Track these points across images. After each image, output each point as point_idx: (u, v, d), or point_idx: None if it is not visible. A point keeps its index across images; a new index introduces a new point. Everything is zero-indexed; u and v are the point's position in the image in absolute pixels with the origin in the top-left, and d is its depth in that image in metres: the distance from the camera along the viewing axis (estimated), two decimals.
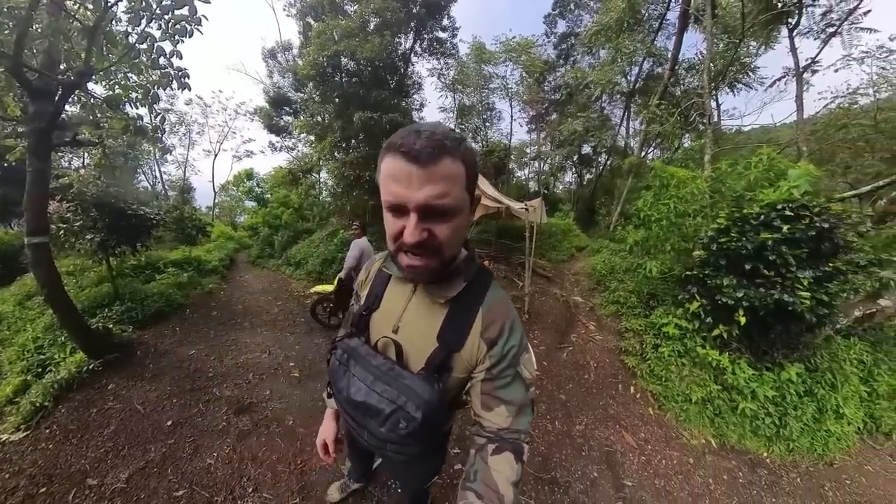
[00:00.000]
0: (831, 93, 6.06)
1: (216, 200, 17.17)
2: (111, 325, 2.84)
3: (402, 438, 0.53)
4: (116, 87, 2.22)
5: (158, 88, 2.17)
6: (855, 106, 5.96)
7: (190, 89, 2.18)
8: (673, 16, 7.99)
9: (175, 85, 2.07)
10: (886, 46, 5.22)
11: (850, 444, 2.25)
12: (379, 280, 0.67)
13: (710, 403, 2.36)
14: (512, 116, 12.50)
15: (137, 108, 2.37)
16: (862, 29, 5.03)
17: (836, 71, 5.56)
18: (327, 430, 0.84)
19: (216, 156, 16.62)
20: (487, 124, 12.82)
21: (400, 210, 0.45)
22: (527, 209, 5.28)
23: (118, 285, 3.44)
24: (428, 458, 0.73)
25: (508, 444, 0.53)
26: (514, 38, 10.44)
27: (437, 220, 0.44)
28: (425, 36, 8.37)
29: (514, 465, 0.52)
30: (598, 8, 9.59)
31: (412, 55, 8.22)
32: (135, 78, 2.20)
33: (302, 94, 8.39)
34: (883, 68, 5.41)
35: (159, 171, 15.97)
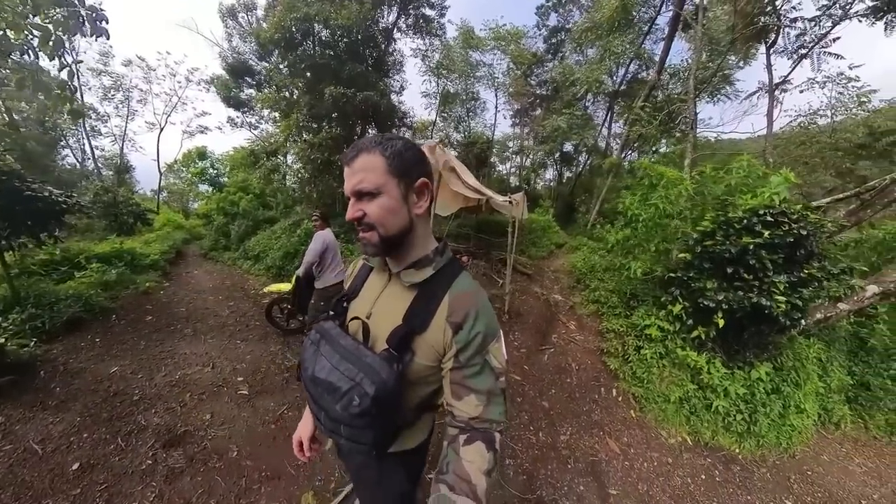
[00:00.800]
0: (795, 111, 6.66)
1: (162, 183, 15.09)
2: (3, 340, 2.29)
3: (354, 418, 0.54)
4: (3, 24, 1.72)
5: (65, 33, 1.72)
6: (813, 125, 6.59)
7: (108, 37, 1.82)
8: (663, 21, 8.24)
9: (87, 30, 1.69)
10: (845, 74, 5.83)
11: (808, 437, 2.45)
12: (362, 272, 0.74)
13: (687, 402, 2.47)
14: (496, 108, 12.35)
15: (37, 58, 1.89)
16: (830, 53, 5.53)
17: (802, 91, 6.14)
18: (304, 428, 0.82)
19: (162, 130, 14.40)
20: (471, 114, 12.59)
21: (349, 198, 0.56)
22: (511, 202, 5.20)
23: (18, 286, 2.83)
24: (389, 470, 0.72)
25: (479, 433, 0.55)
26: (504, 25, 10.21)
27: (364, 201, 0.55)
28: (411, 11, 7.85)
29: (485, 454, 0.53)
30: (590, 6, 9.61)
31: (395, 31, 7.67)
32: (35, 19, 1.73)
33: (266, 64, 7.52)
34: (840, 93, 6.05)
35: (89, 145, 13.50)
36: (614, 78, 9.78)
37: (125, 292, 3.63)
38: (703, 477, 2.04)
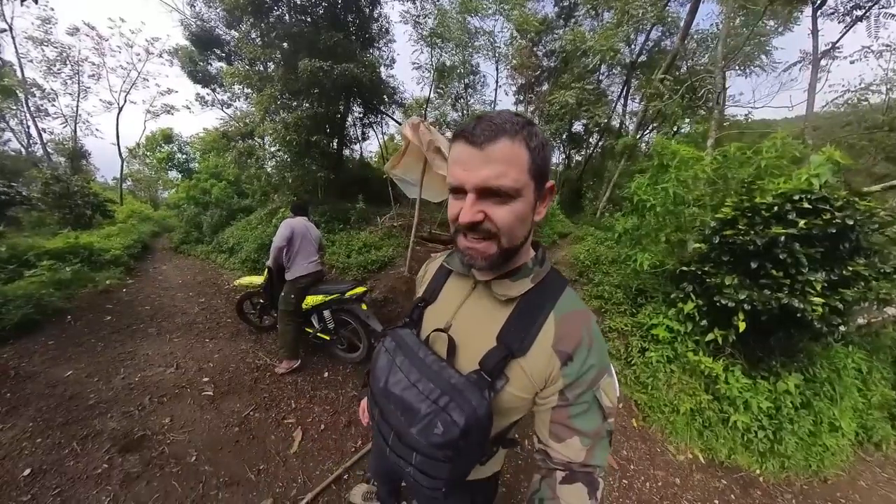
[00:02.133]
0: (843, 86, 6.10)
1: (126, 170, 14.88)
2: None
3: (434, 447, 0.50)
4: None
5: None
6: (864, 102, 6.02)
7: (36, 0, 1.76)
8: None
9: None
10: None
11: (843, 459, 2.29)
12: (439, 275, 0.71)
13: (700, 415, 2.35)
14: (497, 83, 12.12)
15: None
16: (893, 16, 4.94)
17: (852, 62, 5.57)
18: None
19: (121, 110, 13.99)
20: (470, 90, 12.40)
21: (460, 192, 0.49)
22: None
23: None
24: (456, 498, 0.71)
25: (581, 476, 0.53)
26: None
27: (493, 202, 0.48)
28: None
29: (586, 500, 0.51)
30: None
31: None
32: None
33: (236, 33, 7.37)
34: None
35: (35, 127, 13.05)
36: (633, 47, 9.54)
37: (82, 291, 3.69)
38: (717, 502, 1.95)
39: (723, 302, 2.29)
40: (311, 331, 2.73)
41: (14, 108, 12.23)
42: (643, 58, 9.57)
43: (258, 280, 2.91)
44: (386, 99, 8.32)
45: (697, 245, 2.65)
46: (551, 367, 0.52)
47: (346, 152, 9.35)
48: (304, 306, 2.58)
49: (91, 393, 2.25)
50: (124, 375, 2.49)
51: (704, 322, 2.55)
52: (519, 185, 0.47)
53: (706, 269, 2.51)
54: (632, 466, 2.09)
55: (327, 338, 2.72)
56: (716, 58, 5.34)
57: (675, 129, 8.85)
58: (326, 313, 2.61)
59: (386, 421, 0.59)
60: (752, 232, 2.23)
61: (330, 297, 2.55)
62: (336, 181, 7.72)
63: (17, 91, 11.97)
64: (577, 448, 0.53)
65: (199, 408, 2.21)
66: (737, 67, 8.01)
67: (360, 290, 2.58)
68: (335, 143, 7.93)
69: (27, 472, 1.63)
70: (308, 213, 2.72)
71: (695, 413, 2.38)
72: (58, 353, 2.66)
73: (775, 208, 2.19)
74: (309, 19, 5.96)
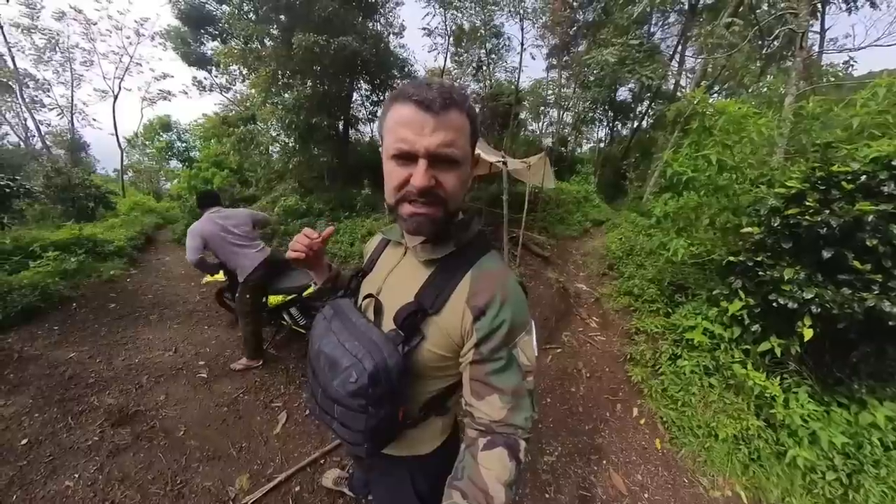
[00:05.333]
0: None
1: (126, 161, 16.18)
2: None
3: (349, 396, 0.59)
4: None
5: None
6: None
7: None
8: None
9: None
10: None
11: None
12: (379, 247, 0.84)
13: (746, 444, 2.17)
14: (523, 45, 11.80)
15: None
16: None
17: None
18: None
19: (116, 97, 15.02)
20: (493, 56, 12.24)
21: (408, 157, 0.55)
22: (528, 166, 5.16)
23: None
24: (400, 476, 0.80)
25: (502, 438, 0.58)
26: None
27: (443, 169, 0.55)
28: None
29: (507, 463, 0.56)
30: None
31: None
32: None
33: (227, 7, 7.86)
34: None
35: (32, 119, 14.22)
36: None
37: (87, 281, 4.25)
38: None
39: (781, 302, 2.09)
40: (286, 323, 2.93)
41: (9, 100, 13.43)
42: None
43: (220, 277, 3.11)
44: (395, 73, 8.48)
45: (751, 229, 2.44)
46: (465, 321, 0.59)
47: (355, 135, 9.66)
48: (274, 303, 2.76)
49: (91, 373, 2.65)
50: (125, 357, 2.90)
51: (756, 327, 2.36)
52: (465, 153, 0.57)
53: (760, 259, 2.30)
54: (645, 495, 2.01)
55: (303, 332, 2.89)
56: None
57: (748, 86, 8.13)
58: (294, 310, 2.80)
59: (316, 379, 0.69)
60: (827, 211, 1.97)
61: (289, 298, 2.70)
62: (343, 166, 8.05)
63: (10, 83, 13.09)
64: (498, 406, 0.58)
65: (193, 388, 2.55)
66: (838, 1, 7.12)
67: None
68: (340, 125, 8.25)
69: (24, 441, 1.99)
70: (219, 200, 2.75)
71: (739, 441, 2.20)
72: (62, 338, 3.12)
73: (863, 177, 1.92)
74: None
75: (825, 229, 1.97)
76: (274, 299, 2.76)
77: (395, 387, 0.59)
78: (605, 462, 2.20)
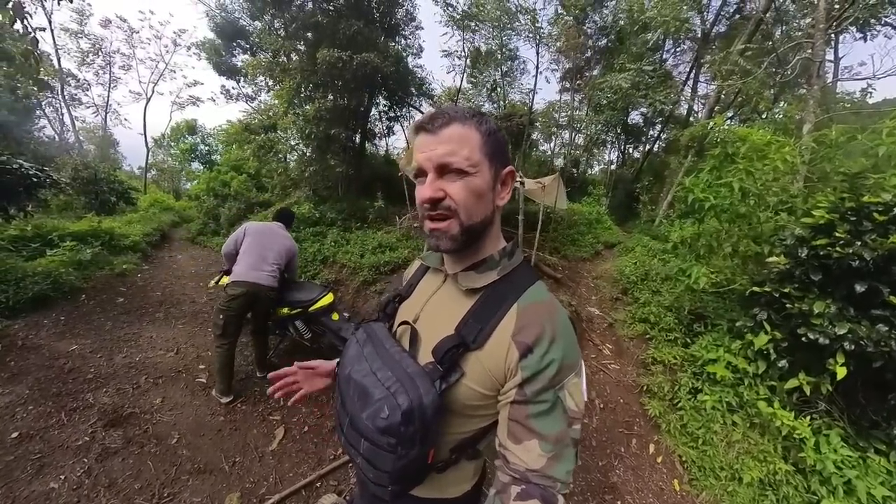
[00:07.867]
0: None
1: (150, 160, 16.99)
2: None
3: (378, 433, 0.55)
4: None
5: None
6: None
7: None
8: None
9: None
10: None
11: None
12: (418, 272, 0.81)
13: (774, 490, 2.05)
14: (538, 69, 12.02)
15: None
16: None
17: None
18: (315, 375, 0.95)
19: (149, 100, 16.14)
20: (507, 79, 12.49)
21: (422, 174, 0.58)
22: (543, 187, 5.13)
23: None
24: None
25: (538, 490, 0.52)
26: None
27: (450, 179, 0.56)
28: None
29: None
30: None
31: None
32: None
33: (260, 24, 8.23)
34: None
35: (69, 115, 15.25)
36: (705, 14, 8.93)
37: (99, 273, 4.25)
38: None
39: (811, 336, 2.00)
40: (290, 333, 2.86)
41: (50, 96, 14.34)
42: (720, 27, 8.86)
43: (224, 282, 3.10)
44: (413, 91, 8.66)
45: (776, 259, 2.37)
46: (510, 359, 0.54)
47: (371, 148, 9.82)
48: (280, 314, 2.68)
49: (91, 368, 2.59)
50: (126, 354, 2.84)
51: (784, 362, 2.27)
52: (472, 162, 0.56)
53: (787, 290, 2.26)
54: None
55: (308, 346, 2.83)
56: (818, 17, 4.69)
57: (763, 112, 8.04)
58: (299, 323, 2.70)
59: (344, 407, 0.65)
60: (858, 242, 1.93)
61: (294, 311, 2.60)
62: (357, 177, 8.16)
63: (53, 81, 14.07)
64: (537, 453, 0.52)
65: (191, 393, 2.47)
66: (853, 29, 6.86)
67: (326, 301, 2.62)
68: (357, 138, 8.41)
69: (15, 434, 1.91)
70: (289, 223, 2.80)
71: (766, 486, 2.07)
72: (66, 329, 3.09)
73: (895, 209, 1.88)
74: (332, 7, 6.47)
75: (857, 262, 1.92)
76: (280, 311, 2.70)
77: (428, 426, 0.53)
78: (619, 503, 2.05)
